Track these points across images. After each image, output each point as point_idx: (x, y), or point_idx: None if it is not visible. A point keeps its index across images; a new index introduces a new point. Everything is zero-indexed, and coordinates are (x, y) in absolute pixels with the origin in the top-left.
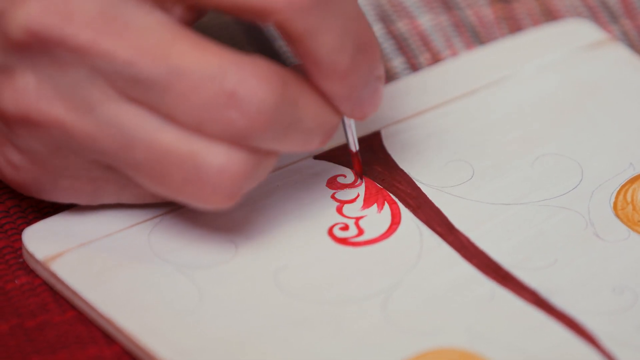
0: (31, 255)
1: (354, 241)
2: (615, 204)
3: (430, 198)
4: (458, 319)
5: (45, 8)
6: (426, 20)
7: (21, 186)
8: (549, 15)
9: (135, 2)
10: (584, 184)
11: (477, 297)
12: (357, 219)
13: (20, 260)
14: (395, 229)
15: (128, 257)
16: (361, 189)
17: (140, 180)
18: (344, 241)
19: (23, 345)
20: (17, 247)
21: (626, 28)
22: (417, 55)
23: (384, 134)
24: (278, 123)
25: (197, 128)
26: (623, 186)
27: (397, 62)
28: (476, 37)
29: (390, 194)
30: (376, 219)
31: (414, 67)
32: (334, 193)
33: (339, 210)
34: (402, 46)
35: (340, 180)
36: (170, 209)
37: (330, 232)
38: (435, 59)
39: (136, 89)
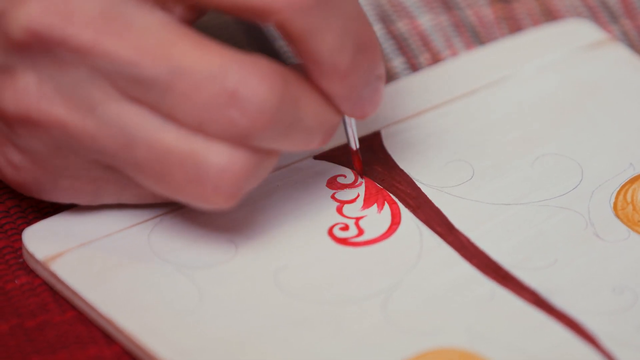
0: (31, 255)
1: (354, 241)
2: (615, 204)
3: (430, 198)
4: (458, 319)
5: (45, 8)
6: (426, 20)
7: (21, 186)
8: (549, 15)
9: (136, 1)
10: (584, 184)
11: (477, 297)
12: (357, 219)
13: (20, 260)
14: (395, 229)
15: (128, 257)
16: (361, 189)
17: (141, 180)
18: (344, 241)
19: (23, 345)
20: (17, 247)
21: (626, 28)
22: (417, 55)
23: (384, 134)
24: (279, 122)
25: (198, 128)
26: (623, 186)
27: (397, 62)
28: (476, 37)
29: (390, 194)
30: (376, 219)
31: (414, 67)
32: (334, 193)
33: (339, 211)
34: (402, 46)
35: (340, 180)
36: (170, 209)
37: (330, 232)
38: (435, 59)
39: (137, 88)
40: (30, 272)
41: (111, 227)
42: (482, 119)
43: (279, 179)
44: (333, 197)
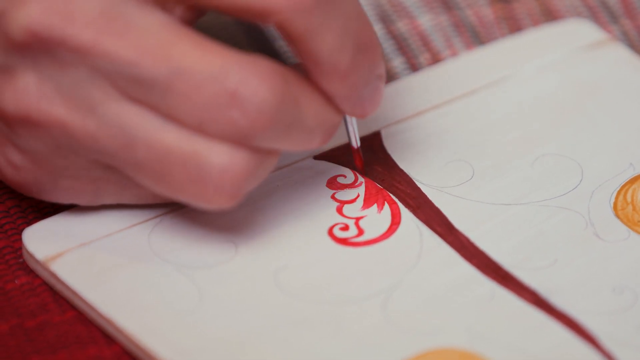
0: (31, 255)
1: (354, 241)
2: (615, 204)
3: (430, 198)
4: (458, 319)
5: (46, 8)
6: (426, 20)
7: (21, 186)
8: (549, 15)
9: (137, 2)
10: (584, 184)
11: (477, 297)
12: (357, 219)
13: (20, 260)
14: (395, 229)
15: (128, 257)
16: (361, 189)
17: (142, 180)
18: (344, 241)
19: (23, 345)
20: (17, 247)
21: (626, 28)
22: (417, 55)
23: (384, 134)
24: (280, 122)
25: (198, 128)
26: (623, 186)
27: (397, 62)
28: (476, 37)
29: (390, 194)
30: (376, 219)
31: (414, 67)
32: (334, 193)
33: (339, 211)
34: (402, 46)
35: (340, 180)
36: (171, 209)
37: (330, 232)
38: (435, 59)
39: (137, 89)
40: (30, 272)
41: (111, 227)
42: (482, 119)
43: (279, 179)
44: (333, 197)
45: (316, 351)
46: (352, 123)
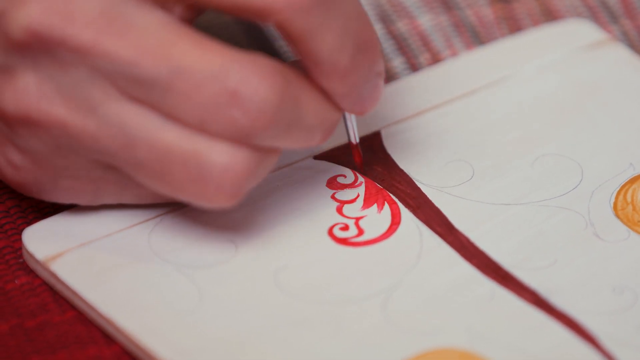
0: (31, 256)
1: (354, 241)
2: (615, 204)
3: (430, 198)
4: (458, 319)
5: (46, 8)
6: (426, 20)
7: (22, 186)
8: (549, 15)
9: (136, 1)
10: (584, 184)
11: (477, 297)
12: (357, 219)
13: (20, 260)
14: (395, 229)
15: (128, 257)
16: (361, 189)
17: (143, 179)
18: (344, 241)
19: (23, 345)
20: (17, 247)
21: (626, 28)
22: (417, 55)
23: (384, 134)
24: (280, 121)
25: (199, 127)
26: (623, 186)
27: (397, 62)
28: (476, 37)
29: (390, 194)
30: (376, 219)
31: (414, 67)
32: (334, 193)
33: (339, 211)
34: (402, 46)
35: (340, 180)
36: (171, 209)
37: (330, 232)
38: (435, 59)
39: (138, 88)
40: (30, 272)
41: (111, 227)
42: (482, 119)
43: (279, 179)
44: (333, 197)
45: (316, 351)
46: (351, 119)
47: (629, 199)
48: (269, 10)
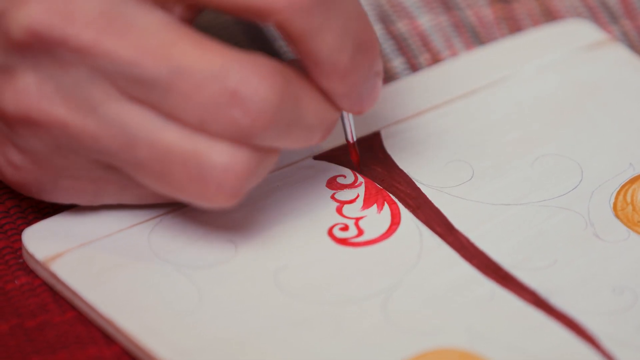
0: (31, 256)
1: (354, 241)
2: (615, 204)
3: (430, 198)
4: (458, 319)
5: (46, 8)
6: (426, 21)
7: (22, 186)
8: (549, 15)
9: (136, 1)
10: (584, 185)
11: (477, 297)
12: (357, 219)
13: (20, 260)
14: (395, 230)
15: (128, 257)
16: (361, 190)
17: (143, 179)
18: (343, 241)
19: (23, 345)
20: (17, 248)
21: (626, 28)
22: (417, 55)
23: (384, 134)
24: (280, 121)
25: (200, 127)
26: (623, 186)
27: (397, 63)
28: (476, 37)
29: (390, 195)
30: (376, 219)
31: (413, 67)
32: (334, 193)
33: (339, 211)
34: (402, 46)
35: (340, 180)
36: (170, 209)
37: (330, 233)
38: (435, 59)
39: (138, 88)
40: (30, 272)
41: (111, 227)
42: (482, 119)
43: (279, 179)
44: (333, 197)
45: (316, 351)
46: (349, 118)
47: (628, 199)
48: (269, 10)
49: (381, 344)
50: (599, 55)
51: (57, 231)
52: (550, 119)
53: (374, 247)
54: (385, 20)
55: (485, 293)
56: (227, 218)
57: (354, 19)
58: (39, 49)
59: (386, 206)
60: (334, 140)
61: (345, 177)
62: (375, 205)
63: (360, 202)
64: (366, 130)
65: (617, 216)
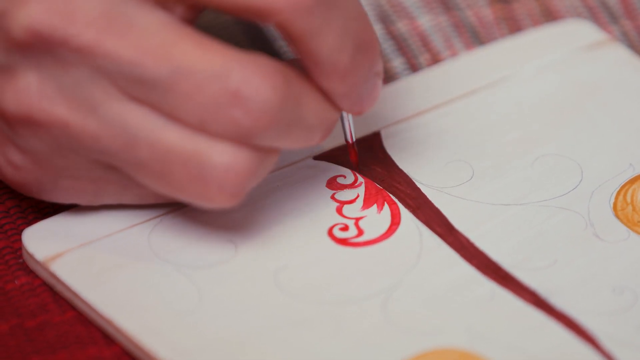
0: (31, 256)
1: (353, 242)
2: (615, 204)
3: (430, 198)
4: (458, 319)
5: (47, 8)
6: (426, 21)
7: (22, 186)
8: (549, 15)
9: (138, 1)
10: (584, 185)
11: (477, 297)
12: (357, 219)
13: (20, 260)
14: (395, 230)
15: (128, 257)
16: (361, 190)
17: (143, 179)
18: (343, 242)
19: (23, 345)
20: (17, 248)
21: (626, 28)
22: (417, 55)
23: (383, 134)
24: (281, 121)
25: (201, 127)
26: (623, 187)
27: (397, 63)
28: (476, 37)
29: (390, 195)
30: (376, 219)
31: (413, 67)
32: (334, 193)
33: (339, 211)
34: (402, 47)
35: (340, 180)
36: (170, 209)
37: (330, 233)
38: (435, 59)
39: (139, 88)
40: (30, 272)
41: (111, 227)
42: (482, 119)
43: (279, 179)
44: (333, 197)
45: (316, 351)
46: (348, 118)
47: (628, 199)
48: (270, 10)
49: (381, 344)
50: (599, 55)
51: (57, 231)
52: (550, 119)
53: (374, 247)
54: (385, 20)
55: (485, 293)
56: (227, 218)
57: (354, 19)
58: (40, 48)
59: (386, 206)
60: (334, 141)
61: (345, 177)
62: (375, 206)
63: (360, 202)
64: (366, 130)
65: (617, 216)
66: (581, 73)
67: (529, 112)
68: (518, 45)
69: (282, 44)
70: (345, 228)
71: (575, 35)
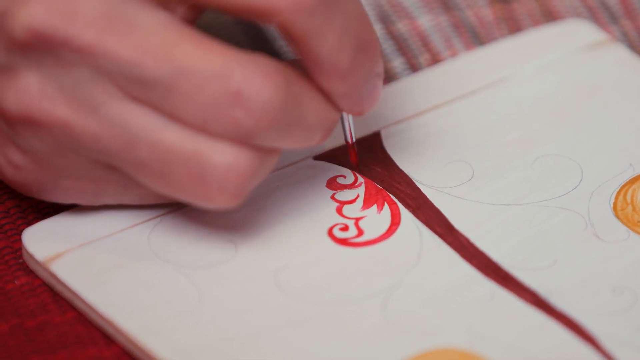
0: (31, 256)
1: (353, 242)
2: (615, 204)
3: (430, 199)
4: (458, 319)
5: (48, 8)
6: (426, 21)
7: (22, 186)
8: (549, 15)
9: (139, 1)
10: (584, 185)
11: (477, 297)
12: (357, 219)
13: (20, 260)
14: (395, 230)
15: (128, 257)
16: (361, 190)
17: (144, 180)
18: (343, 242)
19: (23, 346)
20: (17, 248)
21: (626, 29)
22: (417, 55)
23: (383, 134)
24: (282, 121)
25: (201, 127)
26: (623, 187)
27: (397, 63)
28: (476, 37)
29: (390, 195)
30: (376, 219)
31: (413, 67)
32: (334, 194)
33: (339, 211)
34: (402, 47)
35: (340, 180)
36: (170, 209)
37: (330, 233)
38: (435, 59)
39: (140, 88)
40: (30, 272)
41: (111, 227)
42: (482, 119)
43: (279, 179)
44: (333, 197)
45: (316, 351)
46: (348, 119)
47: (628, 199)
48: (272, 11)
49: (381, 344)
50: (598, 56)
51: (57, 231)
52: (550, 119)
53: (374, 247)
54: (385, 20)
55: (485, 293)
56: (227, 218)
57: (355, 19)
58: (41, 48)
59: (386, 206)
60: (334, 141)
61: (345, 177)
62: (375, 206)
63: (360, 202)
64: (366, 131)
65: (617, 216)
66: (581, 73)
67: (529, 112)
68: (518, 45)
69: (282, 44)
70: (345, 228)
71: (575, 36)
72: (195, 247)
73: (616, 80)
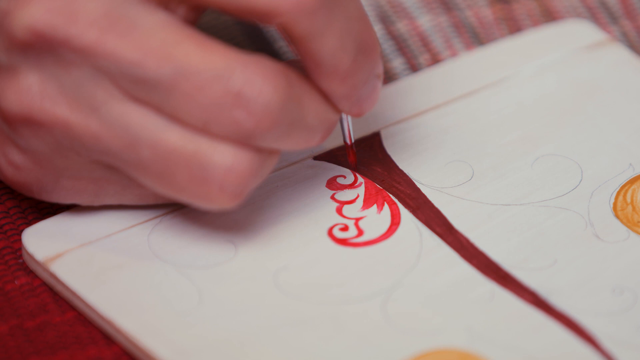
0: (31, 256)
1: (353, 242)
2: (615, 204)
3: (430, 198)
4: (458, 319)
5: (49, 8)
6: (426, 21)
7: (22, 186)
8: (549, 15)
9: (140, 2)
10: (584, 185)
11: (477, 297)
12: (357, 219)
13: (20, 260)
14: (394, 230)
15: (128, 257)
16: (361, 190)
17: (145, 180)
18: (343, 242)
19: (23, 346)
20: (17, 248)
21: (626, 29)
22: (416, 55)
23: (383, 134)
24: (283, 122)
25: (202, 128)
26: (623, 187)
27: (397, 63)
28: (476, 37)
29: (390, 195)
30: (376, 219)
31: (413, 67)
32: (334, 194)
33: (339, 211)
34: (401, 47)
35: (340, 181)
36: (170, 209)
37: (330, 233)
38: (435, 59)
39: (141, 89)
40: (29, 272)
41: (111, 227)
42: (482, 119)
43: (279, 179)
44: (333, 197)
45: (316, 351)
46: (347, 120)
47: (628, 199)
48: (273, 12)
49: (381, 344)
50: (598, 56)
51: (57, 231)
52: (550, 119)
53: (374, 248)
54: (385, 20)
55: (485, 293)
56: (227, 218)
57: (355, 20)
58: (42, 48)
59: (386, 206)
60: (334, 141)
61: (345, 177)
62: (375, 206)
63: (360, 202)
64: (366, 131)
65: (617, 216)
66: (581, 73)
67: (529, 112)
68: (518, 45)
69: (282, 45)
70: (345, 228)
71: (575, 36)
72: (195, 247)
73: (616, 80)
